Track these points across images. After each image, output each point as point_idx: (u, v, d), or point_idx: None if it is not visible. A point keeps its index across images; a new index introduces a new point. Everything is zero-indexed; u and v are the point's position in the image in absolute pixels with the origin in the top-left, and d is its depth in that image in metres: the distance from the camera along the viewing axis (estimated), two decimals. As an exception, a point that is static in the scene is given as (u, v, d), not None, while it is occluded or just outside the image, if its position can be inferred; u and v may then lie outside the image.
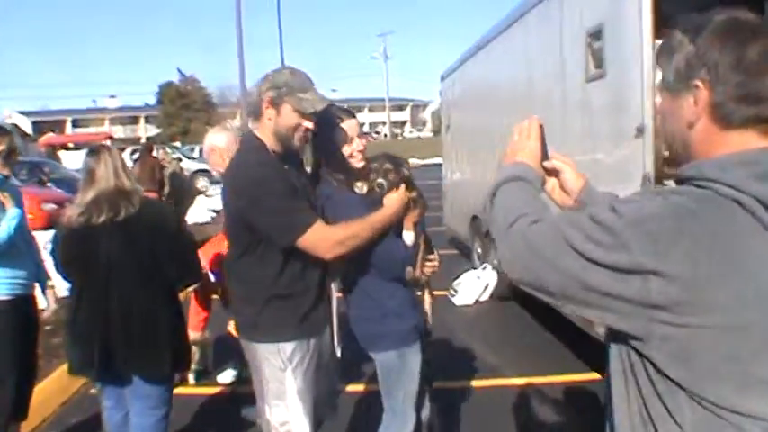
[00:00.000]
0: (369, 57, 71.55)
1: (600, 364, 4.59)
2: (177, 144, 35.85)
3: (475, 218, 8.64)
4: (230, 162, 2.82)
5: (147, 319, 3.03)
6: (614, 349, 1.29)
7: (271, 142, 2.66)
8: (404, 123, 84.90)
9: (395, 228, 2.84)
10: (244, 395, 4.18)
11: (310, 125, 2.66)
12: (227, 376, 5.01)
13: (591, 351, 5.42)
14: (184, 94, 55.01)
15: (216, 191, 10.70)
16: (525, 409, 4.67)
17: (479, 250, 8.55)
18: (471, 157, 9.04)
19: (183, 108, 54.06)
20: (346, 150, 2.90)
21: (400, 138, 69.95)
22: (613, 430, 1.32)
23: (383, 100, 72.84)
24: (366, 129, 64.72)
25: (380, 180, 2.83)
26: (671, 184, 3.76)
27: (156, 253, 3.05)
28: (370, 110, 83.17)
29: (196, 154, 25.47)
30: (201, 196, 12.82)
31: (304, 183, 2.81)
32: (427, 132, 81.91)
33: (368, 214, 2.72)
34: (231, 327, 3.65)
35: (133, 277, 3.00)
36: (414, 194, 2.91)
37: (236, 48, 21.98)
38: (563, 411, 4.74)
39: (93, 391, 4.18)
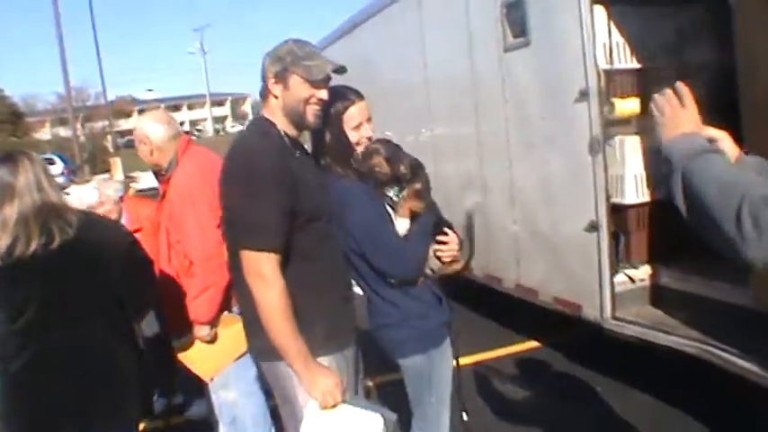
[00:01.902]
0: (186, 52, 68.32)
1: (533, 332, 4.70)
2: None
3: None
4: (230, 151, 2.40)
5: (104, 370, 2.39)
6: None
7: (283, 124, 2.40)
8: (224, 118, 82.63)
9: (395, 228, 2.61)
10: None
11: (324, 95, 2.39)
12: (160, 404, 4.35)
13: (521, 322, 5.54)
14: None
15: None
16: (484, 386, 4.62)
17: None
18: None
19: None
20: (353, 136, 2.61)
21: (222, 133, 68.02)
22: None
23: (203, 96, 70.29)
24: (187, 127, 62.40)
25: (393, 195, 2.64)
26: (617, 142, 3.85)
27: (105, 284, 2.41)
28: (190, 107, 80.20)
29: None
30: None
31: (318, 172, 2.53)
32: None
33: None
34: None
35: (82, 320, 2.36)
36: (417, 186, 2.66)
37: (58, 50, 20.16)
38: (518, 382, 4.75)
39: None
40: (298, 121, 2.41)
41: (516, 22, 4.76)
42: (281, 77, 2.35)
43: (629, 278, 4.37)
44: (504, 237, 5.30)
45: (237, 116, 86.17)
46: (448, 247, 2.69)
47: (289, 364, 2.25)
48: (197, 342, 3.17)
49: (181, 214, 3.18)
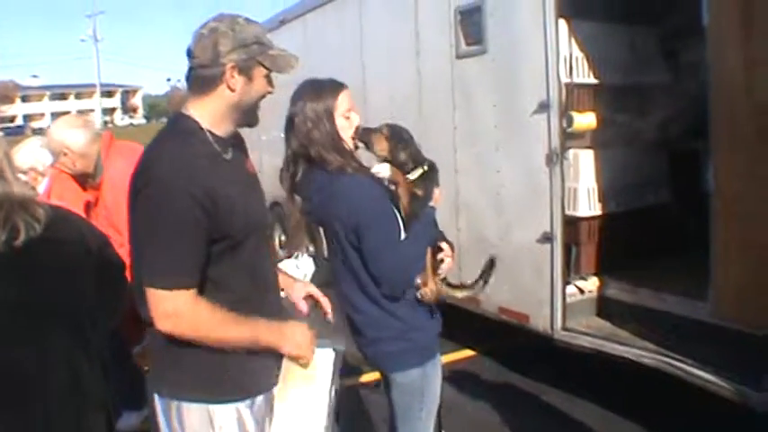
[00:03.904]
0: (78, 39, 64.81)
1: (469, 341, 4.68)
2: None
3: (275, 204, 8.28)
4: (143, 163, 1.98)
5: (69, 387, 2.00)
6: None
7: (215, 121, 1.99)
8: (113, 110, 79.50)
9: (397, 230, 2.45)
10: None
11: (272, 90, 2.05)
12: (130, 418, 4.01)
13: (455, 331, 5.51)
14: None
15: None
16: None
17: (282, 237, 8.24)
18: (272, 144, 8.62)
19: None
20: (343, 123, 2.46)
21: (111, 125, 65.41)
22: None
23: (92, 85, 67.10)
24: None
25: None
26: (571, 155, 3.91)
27: (74, 288, 2.05)
28: (77, 96, 76.52)
29: None
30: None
31: (250, 172, 2.19)
32: (140, 119, 77.97)
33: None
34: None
35: (46, 329, 1.98)
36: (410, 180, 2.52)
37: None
38: (457, 390, 4.73)
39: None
40: (245, 120, 2.05)
41: (471, 28, 4.74)
42: (246, 68, 1.93)
43: (579, 289, 4.43)
44: (446, 245, 5.25)
45: (127, 108, 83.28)
46: (446, 263, 2.61)
47: (265, 347, 2.00)
48: None
49: (120, 214, 2.92)
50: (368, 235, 2.36)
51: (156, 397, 2.09)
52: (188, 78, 1.99)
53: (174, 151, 1.91)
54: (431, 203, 2.51)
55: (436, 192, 2.54)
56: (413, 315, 2.51)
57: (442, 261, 2.58)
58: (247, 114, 2.03)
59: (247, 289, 2.03)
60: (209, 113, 1.97)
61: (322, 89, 2.46)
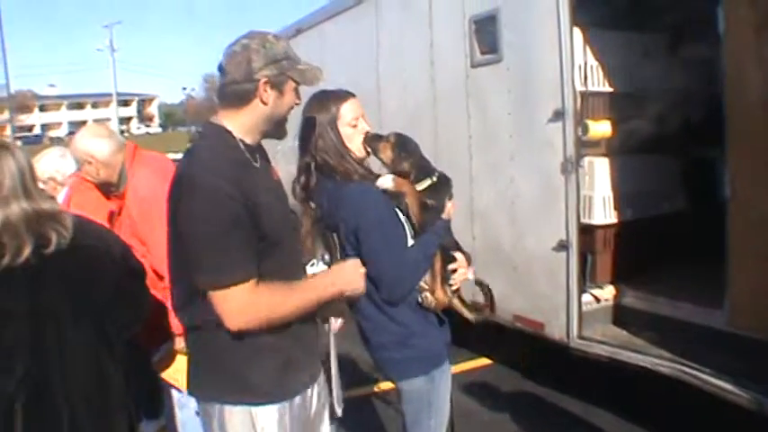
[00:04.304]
0: (94, 49, 65.14)
1: (484, 350, 4.67)
2: None
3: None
4: (184, 172, 2.04)
5: (97, 394, 2.07)
6: None
7: (245, 131, 2.09)
8: (129, 119, 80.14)
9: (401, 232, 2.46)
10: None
11: (300, 102, 2.20)
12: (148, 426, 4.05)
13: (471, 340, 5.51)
14: None
15: None
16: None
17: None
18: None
19: None
20: (348, 133, 2.50)
21: (127, 134, 65.92)
22: None
23: (109, 95, 67.64)
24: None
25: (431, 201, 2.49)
26: (587, 164, 3.91)
27: (101, 295, 2.09)
28: (94, 106, 77.30)
29: None
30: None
31: (275, 179, 2.27)
32: (156, 128, 78.51)
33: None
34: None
35: (74, 335, 2.02)
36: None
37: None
38: (474, 399, 4.73)
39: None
40: (274, 132, 2.15)
41: (486, 37, 4.75)
42: (278, 83, 2.04)
43: (595, 298, 4.42)
44: (460, 253, 5.26)
45: (143, 117, 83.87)
46: (458, 274, 2.59)
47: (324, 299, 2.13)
48: (177, 355, 2.97)
49: (145, 224, 2.98)
50: (366, 238, 2.38)
51: (194, 401, 2.18)
52: (221, 93, 2.09)
53: (212, 159, 2.00)
54: (443, 215, 2.52)
55: (448, 204, 2.55)
56: (415, 321, 2.51)
57: (454, 271, 2.57)
58: (277, 126, 2.14)
59: None
60: (241, 125, 2.07)
61: (326, 100, 2.51)
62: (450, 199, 2.56)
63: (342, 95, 2.54)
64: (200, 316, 2.02)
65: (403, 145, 2.54)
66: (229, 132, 2.06)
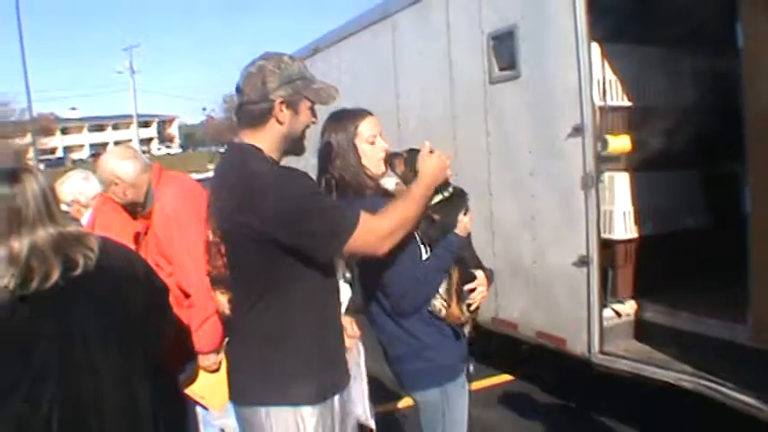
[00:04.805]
0: (114, 71, 65.88)
1: (507, 366, 4.64)
2: None
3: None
4: (227, 185, 2.15)
5: (128, 415, 2.09)
6: None
7: (271, 150, 2.17)
8: (150, 140, 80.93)
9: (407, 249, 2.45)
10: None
11: (316, 120, 2.28)
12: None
13: (494, 356, 5.51)
14: None
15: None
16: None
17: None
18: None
19: None
20: (368, 153, 2.56)
21: (148, 155, 66.53)
22: None
23: (129, 116, 68.46)
24: (113, 147, 60.72)
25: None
26: (606, 179, 3.91)
27: (128, 314, 2.12)
28: (115, 127, 78.27)
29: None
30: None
31: None
32: (176, 148, 79.21)
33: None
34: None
35: (105, 357, 2.04)
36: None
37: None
38: (496, 415, 4.71)
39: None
40: (292, 149, 2.23)
41: (504, 54, 4.78)
42: (293, 102, 2.13)
43: (616, 313, 4.40)
44: (481, 269, 5.26)
45: (164, 138, 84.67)
46: (477, 293, 2.60)
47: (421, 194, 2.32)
48: (202, 373, 3.01)
49: (170, 244, 3.03)
50: None
51: (238, 408, 2.23)
52: (238, 113, 2.18)
53: (262, 164, 2.11)
54: (457, 230, 2.54)
55: (464, 219, 2.56)
56: (428, 334, 2.54)
57: (473, 290, 2.58)
58: (295, 144, 2.21)
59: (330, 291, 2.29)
60: (262, 143, 2.15)
61: (344, 119, 2.58)
62: (465, 214, 2.57)
63: (359, 113, 2.60)
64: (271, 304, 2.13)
65: (412, 160, 2.55)
66: (260, 150, 2.14)
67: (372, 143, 2.56)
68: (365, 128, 2.56)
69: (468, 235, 2.63)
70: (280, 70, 2.09)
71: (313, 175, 2.62)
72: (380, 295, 2.54)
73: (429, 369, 2.54)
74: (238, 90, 2.15)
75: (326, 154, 2.56)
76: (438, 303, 2.53)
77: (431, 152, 2.44)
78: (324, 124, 2.59)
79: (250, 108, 2.12)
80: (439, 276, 2.51)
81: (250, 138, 2.15)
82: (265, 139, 2.15)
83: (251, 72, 2.11)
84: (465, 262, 2.61)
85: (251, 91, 2.10)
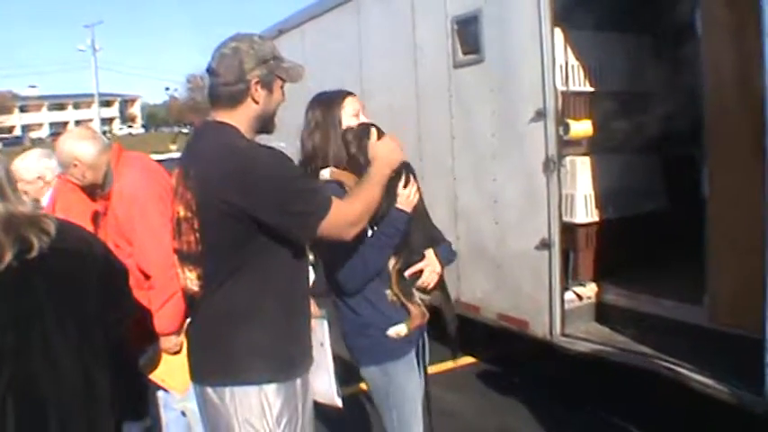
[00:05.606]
0: (76, 49, 64.16)
1: (469, 349, 4.67)
2: None
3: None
4: (209, 160, 2.13)
5: (84, 398, 2.02)
6: None
7: (247, 129, 2.19)
8: (112, 120, 79.53)
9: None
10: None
11: (284, 99, 2.30)
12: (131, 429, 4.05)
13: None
14: None
15: None
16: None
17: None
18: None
19: None
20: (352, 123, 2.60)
21: (109, 135, 65.35)
22: None
23: (90, 95, 67.02)
24: (72, 127, 59.48)
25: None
26: (568, 163, 3.95)
27: (85, 297, 2.05)
28: (76, 106, 76.74)
29: None
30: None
31: None
32: (138, 128, 77.98)
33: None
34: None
35: (60, 340, 1.97)
36: None
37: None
38: (461, 398, 4.75)
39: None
40: (265, 128, 2.26)
41: (468, 38, 4.78)
42: (268, 83, 2.17)
43: (577, 295, 4.46)
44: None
45: (126, 118, 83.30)
46: (426, 274, 2.60)
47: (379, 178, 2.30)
48: (163, 356, 2.98)
49: (130, 224, 3.00)
50: None
51: (199, 388, 2.21)
52: (213, 94, 2.18)
53: (242, 141, 2.13)
54: (398, 205, 2.50)
55: (404, 191, 2.51)
56: (373, 313, 2.55)
57: (420, 272, 2.58)
58: (268, 122, 2.25)
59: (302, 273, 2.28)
60: (238, 123, 2.17)
61: (328, 97, 2.65)
62: (405, 186, 2.52)
63: (343, 92, 2.67)
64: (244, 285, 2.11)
65: (358, 136, 2.53)
66: (237, 128, 2.16)
67: (356, 116, 2.61)
68: (348, 103, 2.61)
69: (424, 211, 2.65)
70: (254, 51, 2.13)
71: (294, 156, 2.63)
72: (331, 274, 2.57)
73: (370, 346, 2.58)
74: (211, 71, 2.16)
75: (312, 131, 2.60)
76: (389, 294, 2.55)
77: (378, 138, 2.47)
78: (308, 107, 2.64)
79: (227, 89, 2.15)
80: (380, 253, 2.50)
81: (226, 117, 2.17)
82: (241, 119, 2.17)
83: (225, 53, 2.13)
84: (410, 245, 2.57)
85: (227, 72, 2.12)
